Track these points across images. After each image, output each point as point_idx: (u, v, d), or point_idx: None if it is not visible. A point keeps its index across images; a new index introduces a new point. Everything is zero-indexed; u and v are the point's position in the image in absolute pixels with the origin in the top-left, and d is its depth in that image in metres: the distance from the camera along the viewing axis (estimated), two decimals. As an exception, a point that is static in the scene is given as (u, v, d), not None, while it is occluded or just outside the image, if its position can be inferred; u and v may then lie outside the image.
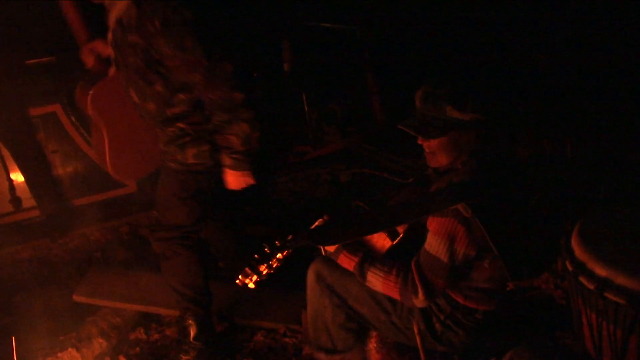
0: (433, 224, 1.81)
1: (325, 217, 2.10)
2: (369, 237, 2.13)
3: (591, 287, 1.22)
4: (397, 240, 2.06)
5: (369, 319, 2.10)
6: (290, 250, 1.92)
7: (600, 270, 1.23)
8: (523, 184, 1.98)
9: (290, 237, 1.93)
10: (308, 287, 2.18)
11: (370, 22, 4.63)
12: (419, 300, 1.84)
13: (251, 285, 1.87)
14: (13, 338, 2.35)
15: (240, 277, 1.87)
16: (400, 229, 2.09)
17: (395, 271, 1.88)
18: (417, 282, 1.82)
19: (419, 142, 1.90)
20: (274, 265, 1.88)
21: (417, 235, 1.94)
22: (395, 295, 1.89)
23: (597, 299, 1.21)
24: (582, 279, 1.25)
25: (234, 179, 2.35)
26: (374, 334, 2.18)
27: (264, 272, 1.87)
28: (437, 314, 1.96)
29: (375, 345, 2.15)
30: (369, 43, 4.61)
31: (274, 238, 1.91)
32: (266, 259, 1.87)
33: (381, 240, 2.10)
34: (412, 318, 1.97)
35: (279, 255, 1.88)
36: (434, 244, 1.81)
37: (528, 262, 1.85)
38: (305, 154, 4.39)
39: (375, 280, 1.92)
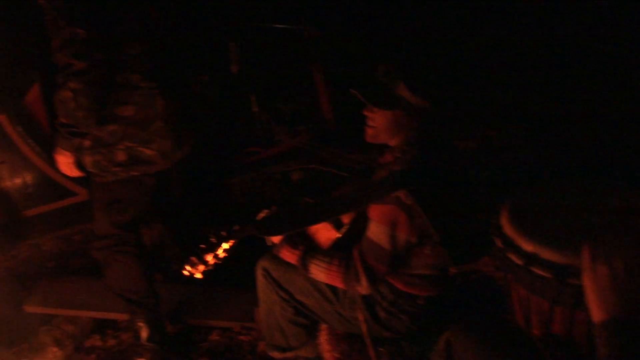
0: (375, 211, 1.85)
1: (271, 209, 2.13)
2: (315, 229, 2.17)
3: (519, 262, 1.28)
4: (342, 231, 2.10)
5: (316, 311, 2.13)
6: (236, 240, 1.93)
7: (527, 246, 1.29)
8: (463, 171, 2.05)
9: (236, 227, 1.94)
10: (257, 284, 2.21)
11: (317, 22, 4.68)
12: (363, 287, 1.88)
13: (198, 275, 1.88)
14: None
15: (186, 267, 1.87)
16: (346, 220, 2.13)
17: (338, 260, 1.92)
18: (360, 269, 1.86)
19: (364, 112, 1.94)
20: (221, 255, 1.89)
21: (362, 224, 1.97)
22: (339, 283, 1.93)
23: (525, 273, 1.27)
24: (510, 255, 1.31)
25: (56, 155, 2.28)
26: (323, 327, 2.22)
27: (211, 262, 1.88)
28: (380, 302, 2.00)
29: (325, 338, 2.18)
30: (316, 42, 4.65)
31: (220, 228, 1.92)
32: (212, 248, 1.88)
33: (327, 232, 2.14)
34: (356, 307, 2.01)
35: (225, 245, 1.90)
36: (375, 231, 1.85)
37: (468, 247, 1.92)
38: (255, 154, 4.40)
39: (318, 271, 1.95)
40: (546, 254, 1.25)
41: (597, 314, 1.04)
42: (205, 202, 3.80)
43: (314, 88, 4.63)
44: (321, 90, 4.57)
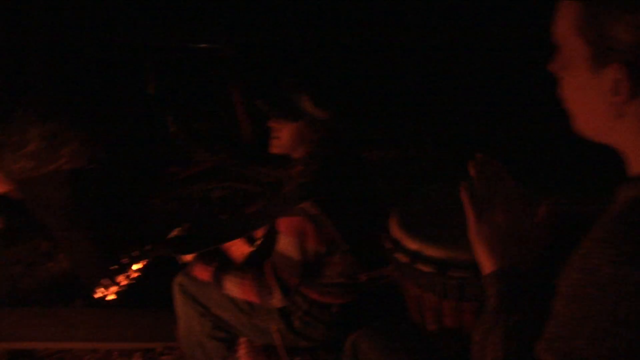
0: (283, 224, 1.90)
1: (184, 227, 2.15)
2: (227, 246, 2.20)
3: (405, 260, 1.36)
4: (255, 245, 2.15)
5: (234, 324, 2.16)
6: (148, 260, 1.94)
7: (412, 245, 1.38)
8: (369, 181, 2.14)
9: (148, 246, 1.96)
10: (175, 300, 2.22)
11: (234, 40, 4.73)
12: (276, 300, 1.92)
13: (111, 297, 1.88)
14: None
15: (97, 289, 1.87)
16: (258, 234, 2.19)
17: (251, 275, 1.95)
18: (273, 282, 1.90)
19: (269, 123, 2.01)
20: (133, 276, 1.90)
21: (274, 238, 2.02)
22: (254, 298, 1.96)
23: (412, 271, 1.36)
24: (397, 255, 1.39)
25: None
26: (242, 340, 2.23)
27: (123, 283, 1.88)
28: (295, 312, 2.05)
29: (244, 351, 2.20)
30: (233, 60, 4.70)
31: (132, 248, 1.93)
32: (124, 269, 1.89)
33: (241, 246, 2.19)
34: (271, 318, 2.06)
35: (137, 265, 1.91)
36: (285, 244, 1.90)
37: (376, 254, 2.00)
38: (175, 174, 4.39)
39: (232, 287, 1.98)
40: (429, 251, 1.35)
41: (486, 266, 1.11)
42: (124, 225, 3.75)
43: (232, 106, 4.68)
44: (239, 108, 4.62)
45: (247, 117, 4.49)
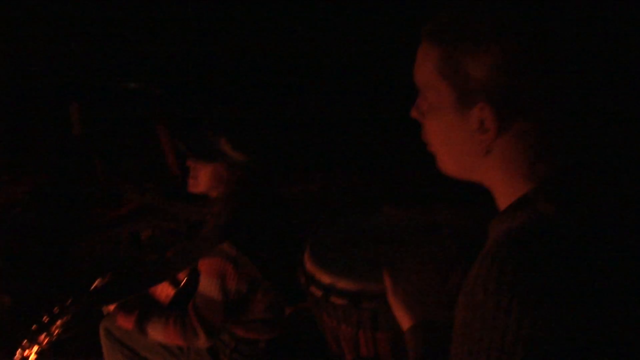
0: (203, 265, 1.91)
1: (107, 277, 2.13)
2: (152, 289, 2.19)
3: (319, 294, 1.41)
4: (179, 287, 2.15)
5: None
6: (70, 315, 1.91)
7: (326, 278, 1.42)
8: (288, 216, 2.18)
9: (69, 301, 1.92)
10: (102, 346, 2.19)
11: (160, 78, 4.73)
12: (202, 341, 1.92)
13: (32, 357, 1.83)
14: None
15: (18, 351, 1.82)
16: (182, 276, 2.19)
17: (173, 319, 1.94)
18: (196, 324, 1.89)
19: (187, 162, 2.03)
20: (55, 333, 1.86)
21: (197, 279, 2.04)
22: (179, 341, 1.95)
23: (326, 304, 1.40)
24: (312, 289, 1.43)
25: None
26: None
27: (45, 342, 1.84)
28: (223, 350, 2.05)
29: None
30: (158, 98, 4.69)
31: (52, 304, 1.90)
32: (45, 327, 1.85)
33: (165, 290, 2.18)
34: (201, 358, 2.06)
35: (58, 322, 1.87)
36: (206, 285, 1.90)
37: (298, 287, 2.03)
38: (103, 216, 4.32)
39: (156, 333, 1.96)
40: (341, 284, 1.39)
41: (404, 323, 1.16)
42: (48, 273, 3.66)
43: (158, 144, 4.66)
44: (166, 146, 4.61)
45: (174, 155, 4.48)
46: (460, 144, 0.90)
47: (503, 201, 0.92)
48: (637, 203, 0.87)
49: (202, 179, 2.02)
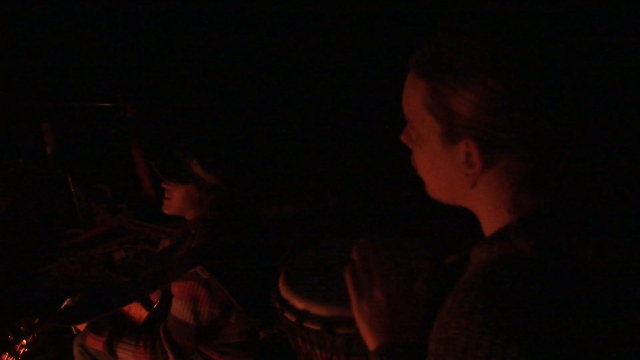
0: (176, 288, 1.91)
1: (77, 296, 2.09)
2: (126, 309, 2.16)
3: (293, 319, 1.40)
4: (152, 310, 2.12)
5: None
6: (37, 335, 1.87)
7: (299, 304, 1.41)
8: (263, 239, 2.17)
9: (36, 320, 1.89)
10: None
11: (134, 98, 4.70)
12: None
13: None
14: None
15: None
16: (155, 298, 2.16)
17: (143, 342, 1.93)
18: (167, 348, 1.88)
19: (162, 184, 2.02)
20: (21, 352, 1.82)
21: (170, 301, 2.02)
22: None
23: (300, 329, 1.39)
24: (286, 314, 1.42)
25: None
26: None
27: None
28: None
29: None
30: (133, 118, 4.66)
31: (18, 323, 1.86)
32: (9, 346, 1.81)
33: (138, 311, 2.15)
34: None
35: (24, 341, 1.83)
36: (178, 308, 1.89)
37: (273, 311, 2.02)
38: (76, 236, 4.25)
39: (126, 355, 1.94)
40: (315, 309, 1.38)
41: (370, 342, 1.14)
42: (19, 290, 3.59)
43: (133, 164, 4.62)
44: (140, 167, 4.57)
45: (148, 176, 4.45)
46: (448, 174, 0.92)
47: (487, 228, 0.94)
48: (623, 241, 0.89)
49: (176, 201, 2.02)
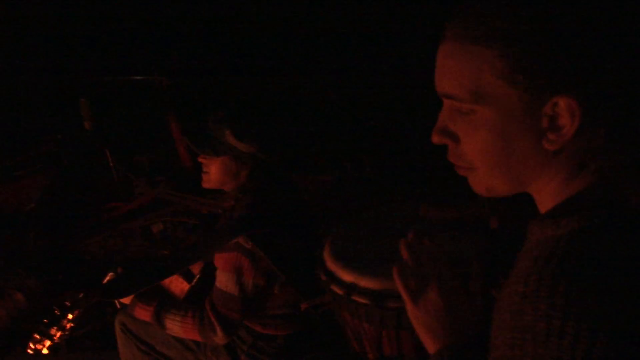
0: (219, 260, 1.88)
1: (118, 270, 2.10)
2: (168, 281, 2.16)
3: (341, 292, 1.35)
4: (194, 282, 2.11)
5: None
6: (82, 309, 1.88)
7: (347, 277, 1.37)
8: (303, 208, 2.13)
9: (81, 294, 1.90)
10: (117, 340, 2.16)
11: (169, 71, 4.69)
12: (219, 337, 1.89)
13: (45, 351, 1.80)
14: None
15: (30, 344, 1.79)
16: (196, 270, 2.15)
17: (191, 313, 1.92)
18: (214, 320, 1.87)
19: (199, 158, 1.99)
20: (68, 327, 1.84)
21: (212, 273, 2.00)
22: (196, 336, 1.92)
23: (348, 302, 1.35)
24: (333, 287, 1.38)
25: None
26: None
27: (57, 335, 1.82)
28: (240, 346, 2.03)
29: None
30: (169, 91, 4.66)
31: (63, 298, 1.87)
32: (56, 321, 1.82)
33: (180, 285, 2.14)
34: (218, 354, 2.02)
35: (70, 316, 1.84)
36: (223, 280, 1.87)
37: (315, 281, 1.99)
38: (116, 209, 4.30)
39: (174, 326, 1.94)
40: (364, 282, 1.34)
41: (429, 346, 1.09)
42: (63, 265, 3.65)
43: (170, 136, 4.63)
44: (177, 139, 4.58)
45: (186, 148, 4.44)
46: (521, 150, 0.82)
47: (547, 203, 0.86)
48: None
49: (214, 174, 1.99)
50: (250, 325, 2.02)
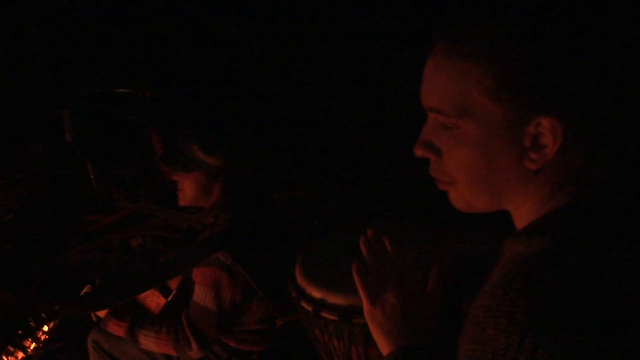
0: (198, 275, 1.90)
1: (95, 283, 2.11)
2: (144, 295, 2.17)
3: (310, 309, 1.38)
4: (170, 297, 2.13)
5: None
6: (57, 322, 1.89)
7: (316, 293, 1.39)
8: (282, 224, 2.16)
9: (57, 307, 1.90)
10: (89, 357, 2.16)
11: (150, 83, 4.70)
12: (194, 352, 1.91)
13: None
14: None
15: (3, 357, 1.79)
16: (174, 285, 2.16)
17: (165, 328, 1.93)
18: (189, 334, 1.89)
19: (172, 177, 2.03)
20: (42, 339, 1.84)
21: (189, 288, 2.02)
22: (170, 351, 1.94)
23: (317, 318, 1.37)
24: (303, 304, 1.40)
25: None
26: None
27: (31, 347, 1.82)
28: (215, 361, 2.05)
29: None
30: (151, 103, 4.66)
31: (39, 310, 1.87)
32: (31, 333, 1.83)
33: (156, 299, 2.16)
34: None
35: (45, 328, 1.85)
36: (201, 295, 1.89)
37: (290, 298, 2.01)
38: (95, 222, 4.28)
39: (148, 342, 1.95)
40: (332, 299, 1.36)
41: (383, 346, 1.12)
42: (40, 278, 3.62)
43: (151, 150, 4.63)
44: (159, 152, 4.57)
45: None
46: (503, 167, 0.83)
47: (522, 220, 0.88)
48: None
49: (188, 190, 2.02)
50: (225, 341, 2.03)
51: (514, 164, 0.82)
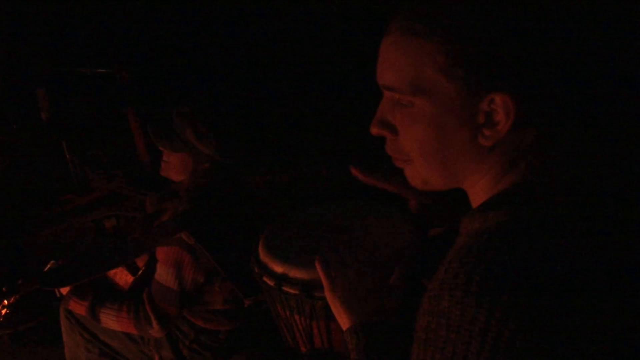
0: (160, 254, 1.89)
1: (59, 259, 2.08)
2: (111, 275, 2.15)
3: (272, 284, 1.38)
4: (138, 275, 2.10)
5: (122, 352, 2.11)
6: (19, 295, 1.86)
7: (278, 268, 1.39)
8: (249, 207, 2.14)
9: (19, 281, 1.88)
10: (62, 326, 2.14)
11: (129, 63, 4.65)
12: (155, 331, 1.89)
13: None
14: None
15: None
16: (141, 263, 2.14)
17: (126, 307, 1.92)
18: (150, 313, 1.87)
19: (159, 147, 2.00)
20: (3, 312, 1.82)
21: (155, 267, 2.00)
22: (132, 329, 1.92)
23: (279, 293, 1.37)
24: (265, 279, 1.40)
25: None
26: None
27: None
28: (182, 340, 2.03)
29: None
30: (128, 84, 4.61)
31: (1, 283, 1.84)
32: None
33: (124, 277, 2.13)
34: (160, 347, 2.02)
35: (5, 302, 1.82)
36: (162, 274, 1.88)
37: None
38: (69, 202, 4.23)
39: (109, 320, 1.94)
40: (293, 273, 1.37)
41: (344, 322, 1.15)
42: (8, 257, 3.58)
43: (128, 131, 4.58)
44: (136, 133, 4.53)
45: (144, 143, 4.40)
46: (457, 144, 0.84)
47: (478, 199, 0.89)
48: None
49: (172, 166, 2.01)
50: (193, 320, 2.02)
51: (468, 141, 0.83)
